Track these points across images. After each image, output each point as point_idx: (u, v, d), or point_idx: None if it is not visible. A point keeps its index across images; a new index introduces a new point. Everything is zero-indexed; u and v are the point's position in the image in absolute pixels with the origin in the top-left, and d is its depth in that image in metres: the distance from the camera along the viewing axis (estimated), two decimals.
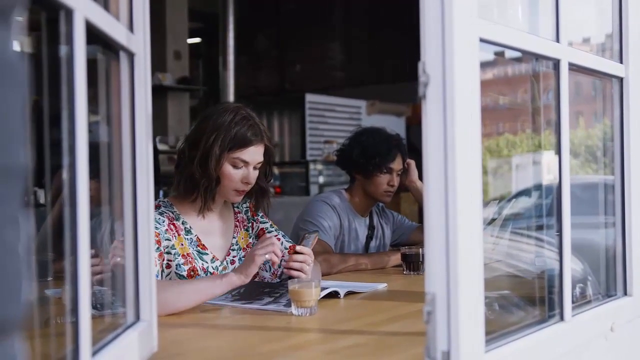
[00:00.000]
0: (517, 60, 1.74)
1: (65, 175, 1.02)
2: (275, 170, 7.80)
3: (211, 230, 2.29)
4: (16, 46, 0.60)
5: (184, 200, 2.25)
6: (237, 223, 2.38)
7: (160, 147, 6.70)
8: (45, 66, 1.05)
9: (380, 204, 3.21)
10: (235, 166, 2.19)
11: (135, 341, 1.31)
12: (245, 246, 2.36)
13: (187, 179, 2.20)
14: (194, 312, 1.93)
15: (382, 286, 2.36)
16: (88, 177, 1.04)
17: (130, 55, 1.35)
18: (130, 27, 1.35)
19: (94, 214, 1.11)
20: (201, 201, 2.22)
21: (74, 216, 1.01)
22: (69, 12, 1.00)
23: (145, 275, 1.39)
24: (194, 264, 2.18)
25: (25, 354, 0.64)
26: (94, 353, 1.10)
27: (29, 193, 0.64)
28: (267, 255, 1.97)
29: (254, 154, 2.21)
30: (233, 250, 2.33)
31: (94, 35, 1.12)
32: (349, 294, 2.18)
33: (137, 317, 1.37)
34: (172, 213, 2.22)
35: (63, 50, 1.02)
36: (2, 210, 0.57)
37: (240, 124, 2.18)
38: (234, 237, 2.35)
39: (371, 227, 3.15)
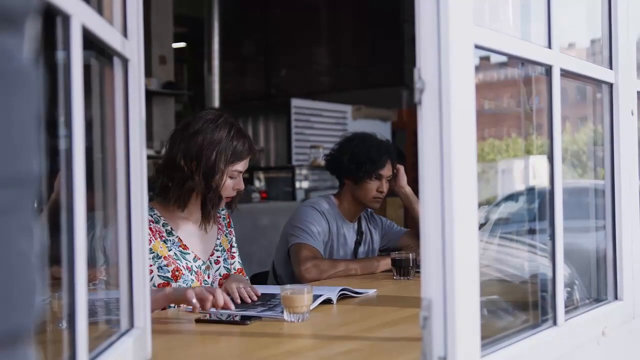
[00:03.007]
0: (502, 65, 1.75)
1: (62, 181, 1.01)
2: (261, 175, 7.78)
3: (194, 232, 2.35)
4: (29, 54, 0.60)
5: (169, 205, 2.29)
6: (220, 226, 2.47)
7: (146, 152, 6.65)
8: (41, 71, 1.05)
9: (369, 209, 3.21)
10: (231, 177, 2.30)
11: (130, 348, 1.30)
12: (226, 249, 2.46)
13: (188, 192, 2.26)
14: (187, 320, 1.92)
15: (372, 292, 2.36)
16: (85, 183, 1.03)
17: (125, 61, 1.34)
18: (125, 33, 1.35)
19: (86, 220, 1.10)
20: (205, 214, 2.31)
21: (70, 223, 1.01)
22: (66, 18, 0.99)
23: (139, 282, 1.38)
24: (177, 264, 2.24)
25: None
26: None
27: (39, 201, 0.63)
28: (194, 300, 1.91)
29: (247, 163, 2.35)
30: (217, 250, 2.42)
31: (89, 41, 1.12)
32: (342, 297, 2.19)
33: (131, 325, 1.37)
34: (152, 216, 2.26)
35: (59, 55, 1.02)
36: (16, 219, 0.57)
37: (236, 138, 2.29)
38: (217, 239, 2.43)
39: (360, 233, 3.15)
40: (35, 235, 0.60)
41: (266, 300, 2.13)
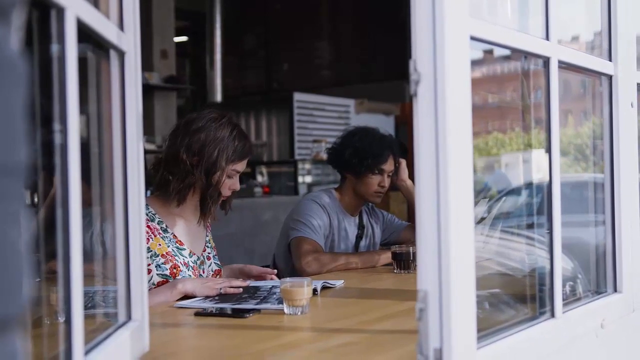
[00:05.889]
0: (506, 58, 1.74)
1: (56, 175, 1.01)
2: (263, 170, 7.79)
3: (187, 229, 2.38)
4: (15, 45, 0.60)
5: (165, 201, 2.32)
6: (208, 224, 2.51)
7: (147, 146, 6.67)
8: (35, 65, 1.05)
9: (370, 203, 3.21)
10: (229, 176, 2.33)
11: (127, 340, 1.30)
12: (213, 246, 2.51)
13: (187, 187, 2.29)
14: (185, 313, 1.92)
15: (339, 283, 2.38)
16: (80, 178, 1.03)
17: (121, 54, 1.34)
18: (121, 26, 1.35)
19: (84, 215, 1.11)
20: (205, 210, 2.34)
21: (66, 217, 1.01)
22: (60, 11, 0.99)
23: (136, 275, 1.38)
24: (174, 261, 2.27)
25: (26, 350, 0.64)
26: (86, 352, 1.09)
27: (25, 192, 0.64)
28: (221, 290, 2.14)
29: (245, 164, 2.39)
30: (208, 247, 2.46)
31: (84, 34, 1.12)
32: (324, 288, 2.24)
33: (129, 317, 1.37)
34: (147, 214, 2.27)
35: (54, 48, 1.02)
36: (4, 208, 0.57)
37: (237, 138, 2.33)
38: (207, 236, 2.48)
39: (361, 227, 3.16)
40: (23, 224, 0.60)
41: (253, 293, 2.14)
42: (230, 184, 2.34)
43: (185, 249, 2.33)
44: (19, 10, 0.61)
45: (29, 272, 0.61)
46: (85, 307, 1.13)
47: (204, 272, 2.38)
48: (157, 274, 2.23)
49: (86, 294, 1.29)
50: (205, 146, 2.27)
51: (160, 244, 2.26)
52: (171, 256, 2.27)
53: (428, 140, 1.17)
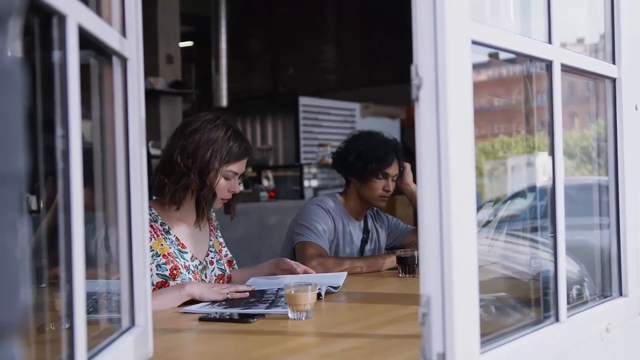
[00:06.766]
0: (512, 61, 1.74)
1: (59, 181, 1.02)
2: (269, 174, 7.79)
3: (189, 233, 2.39)
4: (13, 52, 0.61)
5: (165, 204, 2.31)
6: (212, 228, 2.51)
7: (153, 151, 6.67)
8: (38, 71, 1.05)
9: (375, 207, 3.21)
10: (226, 178, 2.33)
11: (131, 346, 1.30)
12: (217, 250, 2.49)
13: (182, 189, 2.29)
14: (188, 318, 1.92)
15: (342, 276, 2.41)
16: (82, 183, 1.03)
17: (123, 60, 1.35)
18: (123, 32, 1.35)
19: (88, 220, 1.11)
20: (199, 212, 2.34)
21: (68, 222, 1.01)
22: (62, 18, 1.00)
23: (140, 280, 1.38)
24: (175, 263, 2.27)
25: (24, 357, 0.64)
26: (89, 358, 1.10)
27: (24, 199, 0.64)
28: (228, 295, 2.13)
29: (243, 165, 2.37)
30: (211, 251, 2.45)
31: (87, 40, 1.12)
32: (328, 293, 2.23)
33: (132, 322, 1.37)
34: (150, 215, 2.28)
35: (56, 55, 1.02)
36: (1, 215, 0.57)
37: (233, 139, 2.32)
38: (210, 240, 2.47)
39: (366, 231, 3.15)
40: (22, 232, 0.60)
41: (260, 297, 2.14)
42: (228, 186, 2.33)
43: (187, 252, 2.33)
44: (16, 18, 0.61)
45: (27, 280, 0.61)
46: (88, 312, 1.13)
47: (206, 277, 2.37)
48: (157, 274, 2.23)
49: (89, 297, 1.29)
50: (199, 147, 2.27)
51: (162, 244, 2.27)
52: (172, 257, 2.27)
53: (430, 144, 1.17)
